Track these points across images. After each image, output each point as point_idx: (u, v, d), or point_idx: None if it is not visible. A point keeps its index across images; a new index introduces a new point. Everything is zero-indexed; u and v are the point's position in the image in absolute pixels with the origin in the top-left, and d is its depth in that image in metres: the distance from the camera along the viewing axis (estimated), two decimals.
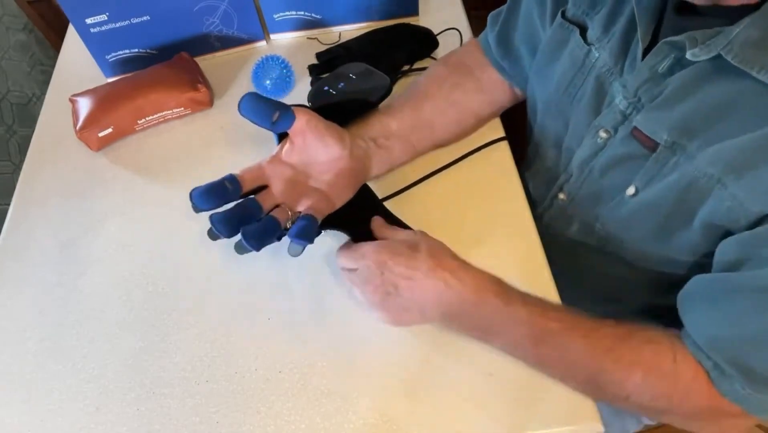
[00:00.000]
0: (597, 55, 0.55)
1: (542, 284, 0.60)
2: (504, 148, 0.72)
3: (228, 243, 0.65)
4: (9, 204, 0.74)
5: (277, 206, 0.58)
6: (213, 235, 0.57)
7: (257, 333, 0.59)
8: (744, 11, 0.42)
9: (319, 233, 0.59)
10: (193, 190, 0.56)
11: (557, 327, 0.50)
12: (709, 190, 0.46)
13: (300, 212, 0.57)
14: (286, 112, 0.56)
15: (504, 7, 0.69)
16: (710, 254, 0.50)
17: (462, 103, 0.70)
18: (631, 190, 0.54)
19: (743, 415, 0.47)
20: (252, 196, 0.58)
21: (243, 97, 0.55)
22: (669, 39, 0.47)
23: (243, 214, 0.56)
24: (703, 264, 0.52)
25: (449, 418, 0.53)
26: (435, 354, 0.56)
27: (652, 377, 0.48)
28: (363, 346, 0.57)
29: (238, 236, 0.54)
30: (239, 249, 0.56)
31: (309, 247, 0.56)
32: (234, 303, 0.60)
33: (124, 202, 0.72)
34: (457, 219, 0.65)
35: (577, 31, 0.57)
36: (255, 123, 0.55)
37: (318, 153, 0.58)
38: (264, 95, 0.56)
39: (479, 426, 0.52)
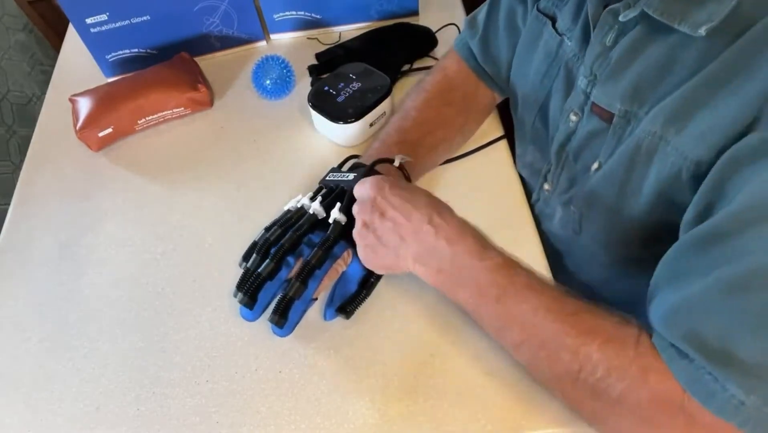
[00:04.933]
0: (569, 44, 0.56)
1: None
2: (503, 146, 0.73)
3: (224, 245, 0.66)
4: (9, 204, 0.74)
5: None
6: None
7: (257, 333, 0.59)
8: None
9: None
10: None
11: (523, 282, 0.48)
12: (653, 149, 0.46)
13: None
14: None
15: (482, 12, 0.70)
16: (659, 241, 0.48)
17: (449, 124, 0.70)
18: (595, 165, 0.55)
19: (709, 420, 0.39)
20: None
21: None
22: (610, 7, 0.48)
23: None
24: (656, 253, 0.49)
25: (449, 418, 0.53)
26: (435, 354, 0.56)
27: (610, 346, 0.43)
28: (363, 346, 0.57)
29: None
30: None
31: None
32: (234, 303, 0.60)
33: (124, 202, 0.72)
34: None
35: (550, 23, 0.59)
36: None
37: None
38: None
39: (479, 426, 0.52)
